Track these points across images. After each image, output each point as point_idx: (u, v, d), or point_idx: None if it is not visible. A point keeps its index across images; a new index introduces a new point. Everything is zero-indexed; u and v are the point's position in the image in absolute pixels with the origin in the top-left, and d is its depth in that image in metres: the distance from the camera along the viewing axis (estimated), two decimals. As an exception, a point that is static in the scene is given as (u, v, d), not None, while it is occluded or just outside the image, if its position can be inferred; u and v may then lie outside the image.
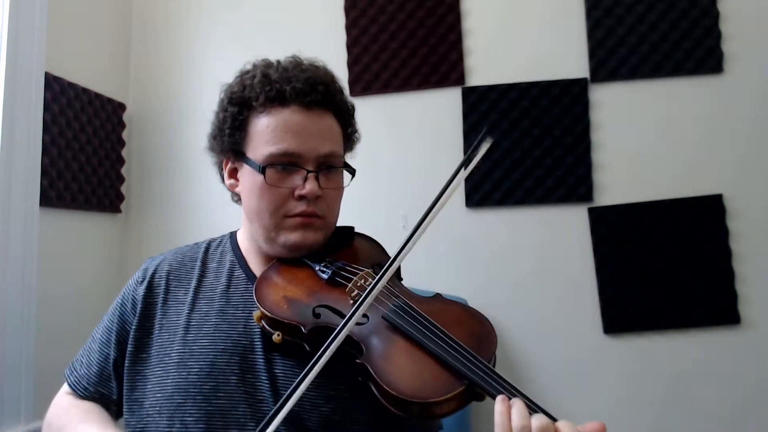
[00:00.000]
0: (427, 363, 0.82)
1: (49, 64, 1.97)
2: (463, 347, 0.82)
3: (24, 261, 1.83)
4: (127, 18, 2.49)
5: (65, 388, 1.12)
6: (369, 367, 0.82)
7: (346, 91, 1.14)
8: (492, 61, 2.21)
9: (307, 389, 0.79)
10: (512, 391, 0.76)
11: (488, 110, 2.17)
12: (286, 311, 0.94)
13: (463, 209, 2.17)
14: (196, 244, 1.19)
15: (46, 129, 1.96)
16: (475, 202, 2.16)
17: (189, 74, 2.45)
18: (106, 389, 1.08)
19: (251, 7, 2.41)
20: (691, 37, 2.06)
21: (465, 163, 0.89)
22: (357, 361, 0.85)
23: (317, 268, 1.03)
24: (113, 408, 1.08)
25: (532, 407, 0.74)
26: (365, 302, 0.83)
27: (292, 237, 1.03)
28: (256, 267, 1.09)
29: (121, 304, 1.11)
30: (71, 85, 2.11)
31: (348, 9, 2.31)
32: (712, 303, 2.00)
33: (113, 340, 1.08)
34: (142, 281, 1.10)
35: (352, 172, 1.10)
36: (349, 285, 0.97)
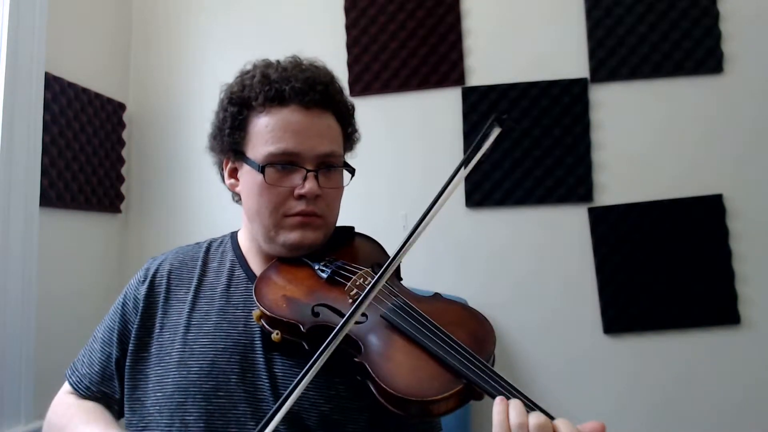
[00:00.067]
0: (425, 362, 0.82)
1: (49, 64, 1.97)
2: (462, 346, 0.82)
3: (24, 261, 1.83)
4: (127, 18, 2.49)
5: (66, 387, 1.12)
6: (367, 366, 0.83)
7: (346, 91, 1.14)
8: (492, 61, 2.21)
9: (307, 388, 0.79)
10: (510, 390, 0.76)
11: (488, 110, 2.17)
12: (285, 310, 0.94)
13: (463, 209, 2.17)
14: (198, 244, 1.19)
15: (46, 129, 1.96)
16: (475, 202, 2.16)
17: (189, 74, 2.45)
18: (109, 388, 1.08)
19: (251, 7, 2.41)
20: (691, 37, 2.06)
21: (472, 153, 0.88)
22: (355, 359, 0.85)
23: (317, 267, 1.03)
24: (115, 407, 1.08)
25: (530, 405, 0.74)
26: (365, 301, 0.83)
27: (291, 236, 1.03)
28: (257, 266, 1.10)
29: (123, 304, 1.11)
30: (71, 85, 2.11)
31: (348, 9, 2.31)
32: (712, 303, 2.00)
33: (115, 339, 1.09)
34: (144, 281, 1.11)
35: (352, 171, 1.10)
36: (348, 284, 0.97)
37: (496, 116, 0.89)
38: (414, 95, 2.26)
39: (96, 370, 1.09)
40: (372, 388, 0.82)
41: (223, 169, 1.12)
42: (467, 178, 2.13)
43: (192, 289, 1.08)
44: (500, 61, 2.20)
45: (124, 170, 2.39)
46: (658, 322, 2.02)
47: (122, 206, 2.39)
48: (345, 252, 1.09)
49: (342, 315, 0.91)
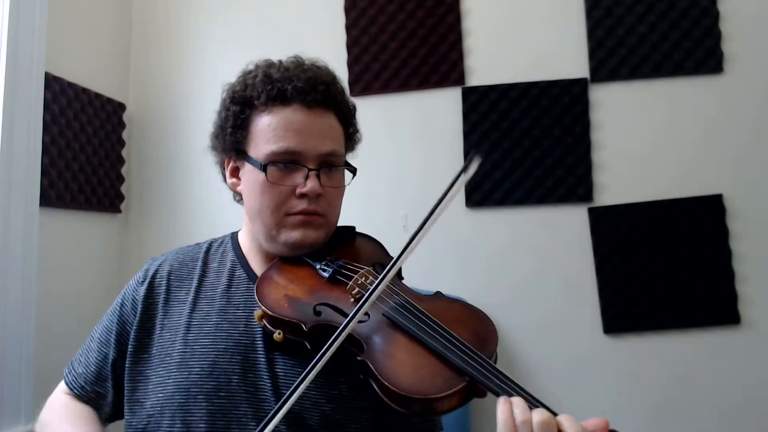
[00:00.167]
0: (428, 359, 0.82)
1: (49, 64, 1.97)
2: (465, 344, 0.82)
3: (24, 261, 1.83)
4: (127, 18, 2.49)
5: (62, 386, 1.13)
6: (370, 364, 0.83)
7: (347, 91, 1.14)
8: (492, 61, 2.21)
9: (309, 388, 0.79)
10: (513, 387, 0.76)
11: (488, 110, 2.17)
12: (287, 309, 0.94)
13: (463, 209, 2.16)
14: (198, 244, 1.19)
15: (46, 129, 1.96)
16: (475, 202, 2.16)
17: (189, 74, 2.45)
18: (102, 389, 1.08)
19: (251, 7, 2.41)
20: (691, 37, 2.06)
21: (455, 180, 0.88)
22: (358, 358, 0.85)
23: (318, 266, 1.03)
24: (106, 409, 1.08)
25: (533, 402, 0.74)
26: (367, 302, 0.83)
27: (293, 235, 1.03)
28: (257, 266, 1.10)
29: (121, 304, 1.11)
30: (71, 85, 2.11)
31: (348, 9, 2.31)
32: (712, 303, 2.00)
33: (113, 340, 1.09)
34: (143, 281, 1.11)
35: (353, 171, 1.10)
36: (350, 283, 0.97)
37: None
38: (414, 95, 2.26)
39: (91, 370, 1.09)
40: (375, 386, 0.82)
41: (224, 169, 1.12)
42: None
43: (192, 289, 1.08)
44: (500, 61, 2.20)
45: (124, 170, 2.39)
46: (658, 322, 2.03)
47: (122, 206, 2.38)
48: (346, 251, 1.09)
49: (344, 314, 0.91)
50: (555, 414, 0.72)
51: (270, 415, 0.77)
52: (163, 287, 1.09)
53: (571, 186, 2.10)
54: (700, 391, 1.99)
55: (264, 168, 1.01)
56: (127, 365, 1.04)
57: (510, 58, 2.20)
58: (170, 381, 0.99)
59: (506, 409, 0.73)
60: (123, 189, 2.39)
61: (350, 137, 1.13)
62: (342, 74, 1.16)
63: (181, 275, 1.11)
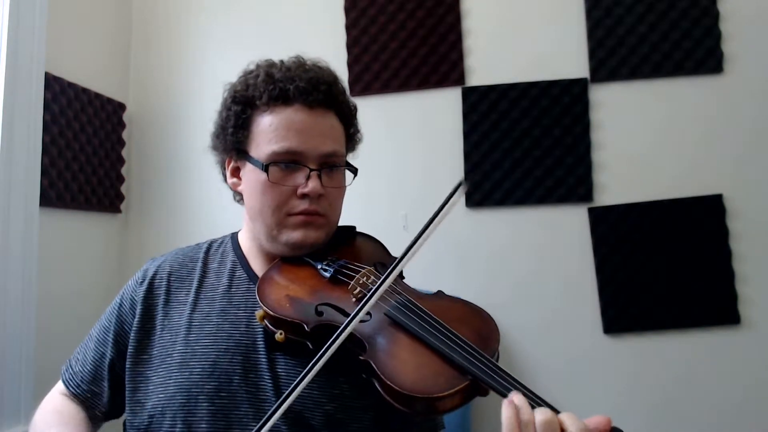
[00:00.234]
0: (430, 358, 0.82)
1: (49, 64, 1.97)
2: (467, 343, 0.82)
3: (24, 261, 1.82)
4: (127, 18, 2.49)
5: (59, 385, 1.13)
6: (373, 364, 0.83)
7: (348, 91, 1.14)
8: (492, 61, 2.21)
9: (310, 387, 0.79)
10: (516, 385, 0.76)
11: (488, 110, 2.17)
12: (289, 310, 0.94)
13: (463, 209, 2.16)
14: (197, 245, 1.19)
15: (46, 129, 1.96)
16: (475, 202, 2.16)
17: (189, 74, 2.45)
18: (98, 388, 1.08)
19: (251, 7, 2.41)
20: (691, 37, 2.06)
21: (440, 210, 0.88)
22: (360, 358, 0.85)
23: (319, 266, 1.03)
24: (102, 408, 1.08)
25: (536, 401, 0.74)
26: (369, 303, 0.83)
27: (294, 235, 1.03)
28: (258, 267, 1.09)
29: (120, 304, 1.11)
30: (71, 85, 2.11)
31: (348, 9, 2.31)
32: (712, 303, 2.00)
33: (110, 340, 1.09)
34: (143, 282, 1.11)
35: (354, 171, 1.10)
36: (352, 283, 0.97)
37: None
38: (414, 95, 2.26)
39: (88, 369, 1.09)
40: (377, 385, 0.82)
41: (225, 168, 1.12)
42: (468, 178, 2.13)
43: (193, 290, 1.08)
44: (500, 61, 2.20)
45: (124, 170, 2.39)
46: (658, 322, 2.03)
47: (122, 206, 2.38)
48: (347, 251, 1.09)
49: (346, 314, 0.91)
50: (557, 412, 0.72)
51: (270, 412, 0.77)
52: (163, 288, 1.09)
53: (571, 186, 2.11)
54: (700, 391, 1.99)
55: (265, 168, 1.01)
56: (127, 366, 1.04)
57: (510, 58, 2.20)
58: (171, 381, 0.98)
59: (510, 409, 0.73)
60: (123, 189, 2.38)
61: (351, 137, 1.13)
62: (342, 74, 1.15)
63: (181, 276, 1.11)
